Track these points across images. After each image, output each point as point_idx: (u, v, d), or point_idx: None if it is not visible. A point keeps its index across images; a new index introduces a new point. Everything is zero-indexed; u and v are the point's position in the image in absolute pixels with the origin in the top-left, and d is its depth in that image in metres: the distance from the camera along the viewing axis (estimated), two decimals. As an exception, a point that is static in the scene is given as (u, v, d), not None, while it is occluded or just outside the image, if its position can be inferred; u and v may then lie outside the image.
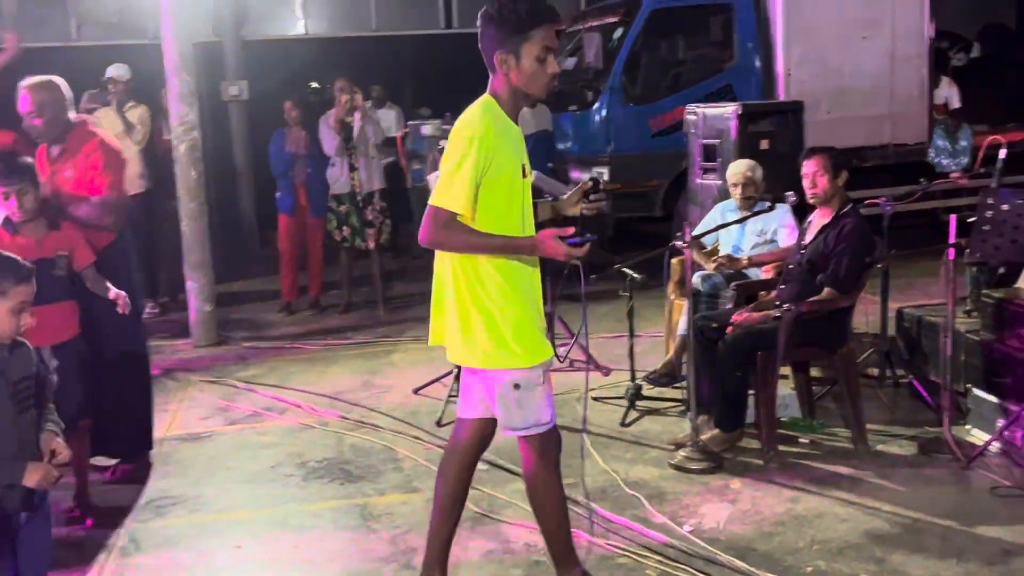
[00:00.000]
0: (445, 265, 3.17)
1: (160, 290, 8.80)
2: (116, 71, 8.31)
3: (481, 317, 3.10)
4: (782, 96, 8.96)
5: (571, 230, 2.98)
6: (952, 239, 4.86)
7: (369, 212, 8.11)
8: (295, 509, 4.50)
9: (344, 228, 8.14)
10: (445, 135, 5.66)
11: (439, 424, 5.46)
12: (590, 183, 3.85)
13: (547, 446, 3.27)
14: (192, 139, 7.45)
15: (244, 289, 9.56)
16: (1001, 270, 5.25)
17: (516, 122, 3.14)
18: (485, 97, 3.11)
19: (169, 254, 8.24)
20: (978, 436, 4.84)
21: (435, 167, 5.72)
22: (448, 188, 2.99)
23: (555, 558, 3.43)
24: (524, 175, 3.11)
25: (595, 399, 5.78)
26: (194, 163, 7.47)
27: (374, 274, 8.47)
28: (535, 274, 3.21)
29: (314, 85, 11.89)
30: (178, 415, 5.95)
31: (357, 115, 7.94)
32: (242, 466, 5.08)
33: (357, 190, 8.03)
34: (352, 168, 8.01)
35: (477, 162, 2.95)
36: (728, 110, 7.08)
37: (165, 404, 6.11)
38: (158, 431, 5.54)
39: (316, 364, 6.98)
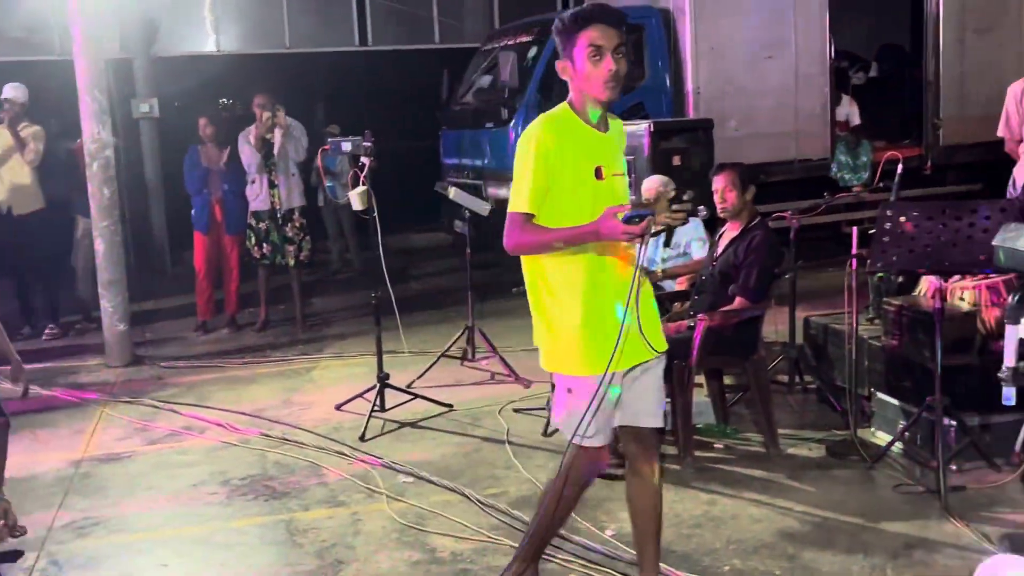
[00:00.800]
0: (524, 272, 3.33)
1: (59, 312, 8.63)
2: (13, 92, 8.16)
3: (543, 321, 3.26)
4: (692, 114, 9.23)
5: (627, 207, 2.97)
6: (855, 250, 5.11)
7: (289, 229, 8.09)
8: (220, 527, 4.49)
9: (264, 245, 8.11)
10: (366, 152, 5.76)
11: (362, 439, 5.50)
12: (673, 192, 4.05)
13: (577, 464, 3.36)
14: (104, 157, 7.36)
15: (158, 308, 9.41)
16: (900, 279, 5.51)
17: (600, 126, 3.19)
18: (561, 104, 3.23)
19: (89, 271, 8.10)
20: (882, 437, 5.07)
21: (355, 183, 5.79)
22: (517, 193, 3.15)
23: (518, 554, 3.58)
24: (600, 177, 3.14)
25: (516, 411, 5.88)
26: (107, 181, 7.38)
27: (293, 291, 8.44)
28: (606, 281, 3.19)
29: (225, 101, 11.78)
30: (95, 436, 5.86)
31: (277, 132, 7.94)
32: (163, 485, 5.04)
33: (277, 207, 8.01)
34: (272, 185, 7.99)
35: (535, 166, 3.09)
36: (641, 127, 7.28)
37: (81, 426, 6.02)
38: (75, 452, 5.48)
39: (235, 383, 6.94)
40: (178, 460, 5.41)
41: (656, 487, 3.39)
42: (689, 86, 9.41)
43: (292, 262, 8.16)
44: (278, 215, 8.03)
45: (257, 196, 8.01)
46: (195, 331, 8.49)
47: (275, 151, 7.93)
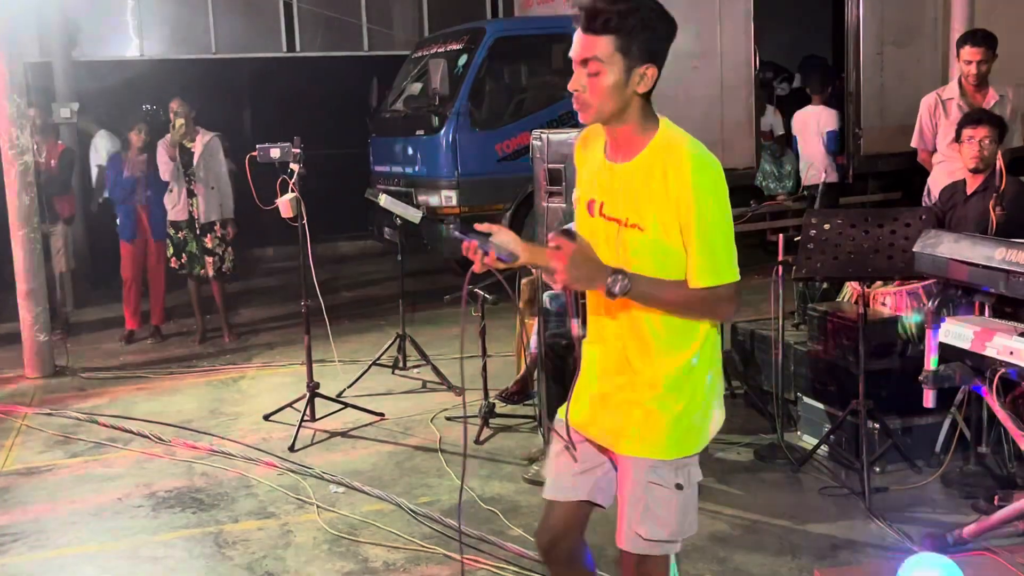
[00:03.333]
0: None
1: None
2: None
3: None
4: (621, 123, 9.31)
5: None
6: (780, 257, 5.21)
7: (209, 240, 7.96)
8: (146, 540, 4.40)
9: (182, 255, 7.97)
10: (295, 158, 5.70)
11: (292, 449, 5.43)
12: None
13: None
14: (24, 163, 7.17)
15: (81, 319, 9.18)
16: (824, 285, 5.64)
17: (614, 153, 2.52)
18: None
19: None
20: (808, 441, 5.17)
21: (284, 190, 5.72)
22: None
23: None
24: (591, 213, 2.56)
25: (449, 419, 5.86)
26: (26, 188, 7.18)
27: (216, 303, 8.27)
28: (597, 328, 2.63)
29: (148, 107, 11.56)
30: (14, 450, 5.70)
31: (199, 140, 7.81)
32: (87, 499, 4.92)
33: (196, 217, 7.87)
34: (191, 195, 7.85)
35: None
36: (571, 135, 7.30)
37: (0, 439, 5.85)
38: (-7, 467, 5.33)
39: (161, 393, 6.80)
40: (102, 473, 5.28)
41: None
42: (617, 95, 9.49)
43: (212, 273, 8.01)
44: (196, 226, 7.90)
45: (175, 205, 7.86)
46: (120, 341, 8.30)
47: (195, 160, 7.79)
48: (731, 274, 2.42)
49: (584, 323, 2.65)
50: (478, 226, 2.46)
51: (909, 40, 10.39)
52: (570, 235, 2.44)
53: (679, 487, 2.53)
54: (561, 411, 2.66)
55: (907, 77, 10.22)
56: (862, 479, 4.45)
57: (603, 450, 2.65)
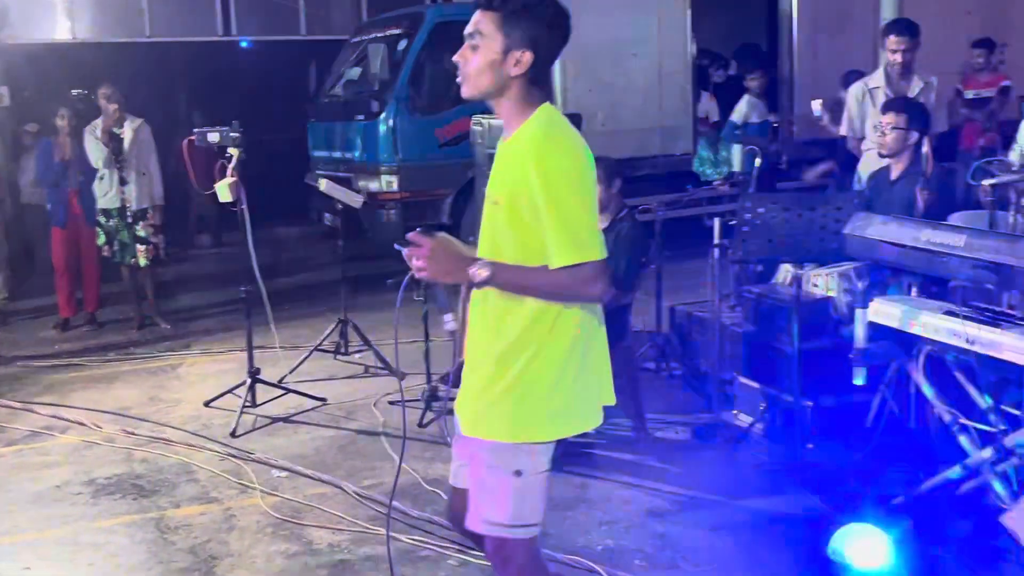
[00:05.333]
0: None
1: None
2: None
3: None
4: (561, 109, 9.37)
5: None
6: (716, 240, 5.32)
7: (141, 228, 7.86)
8: (86, 527, 4.37)
9: (113, 243, 7.86)
10: (233, 142, 5.66)
11: (233, 435, 5.42)
12: None
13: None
14: (-48, 148, 7.02)
15: (15, 307, 9.00)
16: (759, 268, 5.76)
17: (507, 136, 2.61)
18: None
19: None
20: (745, 419, 5.29)
21: (222, 175, 5.69)
22: None
23: None
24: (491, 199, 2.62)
25: (392, 403, 5.89)
26: (-45, 173, 7.04)
27: (148, 290, 8.18)
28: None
29: (79, 91, 11.36)
30: (-53, 439, 5.61)
31: (128, 126, 7.70)
32: (24, 487, 4.86)
33: (128, 205, 7.76)
34: (123, 182, 7.73)
35: None
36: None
37: (-69, 428, 5.75)
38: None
39: (98, 381, 6.72)
40: (39, 461, 5.22)
41: None
42: (557, 82, 9.55)
43: (144, 261, 7.91)
44: (128, 213, 7.79)
45: (106, 193, 7.75)
46: (54, 328, 8.16)
47: (125, 146, 7.68)
48: (592, 252, 2.47)
49: (463, 318, 2.72)
50: (411, 236, 2.53)
51: (842, 28, 10.59)
52: (430, 232, 2.54)
53: (518, 473, 2.55)
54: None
55: (840, 65, 10.41)
56: (795, 454, 4.58)
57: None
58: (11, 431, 5.70)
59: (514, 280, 2.52)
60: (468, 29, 2.51)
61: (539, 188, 2.44)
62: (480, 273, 2.47)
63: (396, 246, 2.56)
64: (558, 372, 2.56)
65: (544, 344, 2.56)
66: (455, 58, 2.55)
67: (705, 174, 10.30)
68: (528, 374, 2.55)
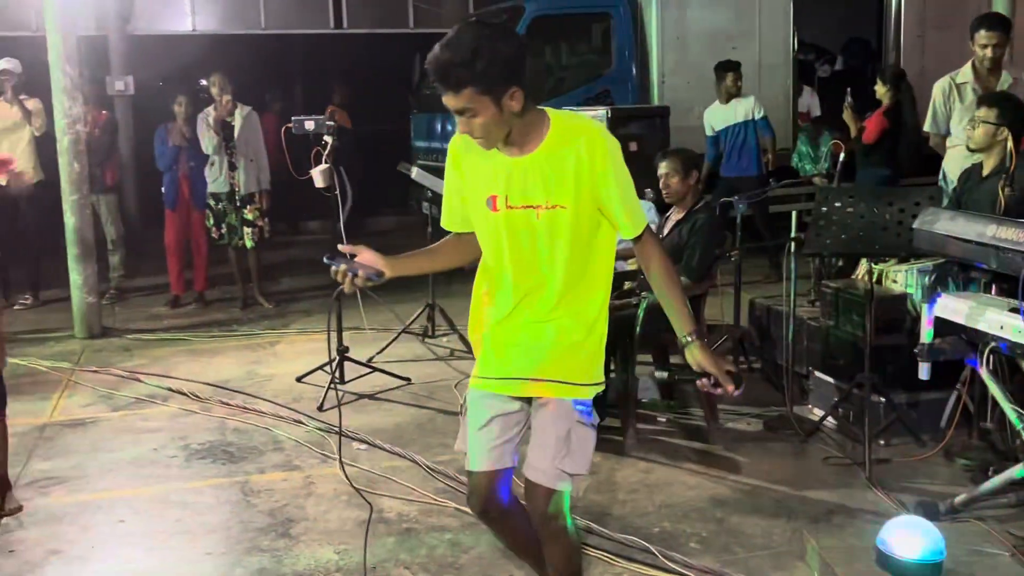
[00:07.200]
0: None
1: (40, 284, 8.80)
2: (9, 63, 8.33)
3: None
4: (655, 102, 9.42)
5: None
6: (794, 234, 5.33)
7: (248, 211, 8.24)
8: (177, 487, 4.68)
9: (222, 226, 8.26)
10: (328, 131, 5.93)
11: (320, 409, 5.68)
12: None
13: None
14: (75, 133, 7.48)
15: (130, 284, 9.52)
16: (840, 262, 5.74)
17: (512, 148, 2.70)
18: None
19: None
20: (818, 414, 5.30)
21: (318, 161, 5.96)
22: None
23: None
24: (493, 208, 2.73)
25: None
26: (77, 156, 7.51)
27: (254, 271, 8.57)
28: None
29: (203, 82, 11.91)
30: (61, 403, 6.02)
31: (238, 114, 8.07)
32: (125, 449, 5.21)
33: (236, 189, 8.15)
34: (232, 168, 8.12)
35: (446, 180, 2.90)
36: (599, 113, 7.48)
37: (48, 393, 6.17)
38: (40, 418, 5.65)
39: (200, 355, 7.10)
40: (140, 426, 5.58)
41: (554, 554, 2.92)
42: (654, 74, 9.61)
43: (250, 243, 8.30)
44: (236, 198, 8.17)
45: (216, 178, 8.15)
46: (165, 306, 8.63)
47: (235, 133, 8.06)
48: (645, 218, 2.78)
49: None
50: (343, 248, 2.72)
51: (951, 24, 10.31)
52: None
53: (594, 425, 2.87)
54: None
55: (947, 61, 10.13)
56: (864, 450, 4.58)
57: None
58: (118, 397, 6.10)
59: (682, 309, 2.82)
60: (453, 107, 2.57)
61: (609, 167, 2.65)
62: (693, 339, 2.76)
63: (325, 259, 2.70)
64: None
65: (606, 304, 2.84)
66: (459, 132, 2.66)
67: (804, 169, 10.15)
68: (599, 334, 2.83)
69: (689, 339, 2.74)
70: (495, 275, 2.83)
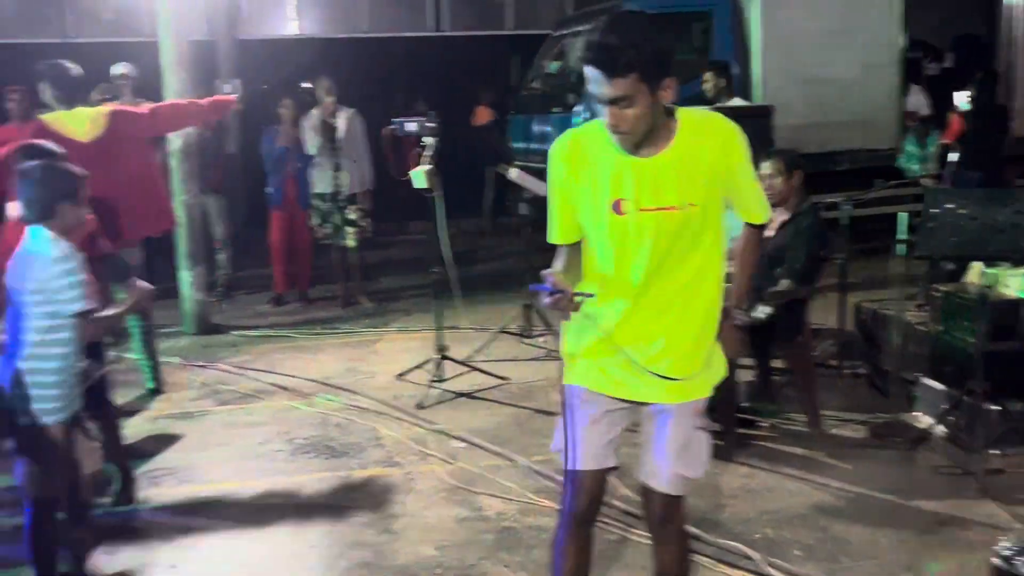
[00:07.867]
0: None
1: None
2: (126, 67, 8.61)
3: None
4: (758, 101, 9.26)
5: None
6: (902, 237, 5.19)
7: (352, 211, 8.39)
8: (281, 480, 4.79)
9: (325, 225, 8.43)
10: (428, 132, 6.00)
11: (420, 407, 5.75)
12: None
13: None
14: (186, 135, 7.72)
15: (237, 281, 9.79)
16: (951, 266, 5.56)
17: (637, 149, 2.62)
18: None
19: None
20: (926, 421, 5.14)
21: (416, 163, 6.04)
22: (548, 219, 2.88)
23: None
24: (619, 211, 2.65)
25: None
26: (186, 157, 7.75)
27: (355, 270, 8.73)
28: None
29: (307, 85, 12.17)
30: (171, 396, 6.22)
31: (342, 116, 8.23)
32: (231, 442, 5.36)
33: (340, 190, 8.31)
34: (336, 168, 8.28)
35: (553, 193, 2.80)
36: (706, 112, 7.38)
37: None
38: (151, 410, 5.84)
39: (304, 352, 7.26)
40: (246, 420, 5.73)
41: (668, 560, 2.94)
42: (757, 73, 9.45)
43: (353, 243, 8.45)
44: (340, 197, 8.33)
45: (321, 179, 8.32)
46: (269, 303, 8.84)
47: (339, 135, 8.22)
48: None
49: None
50: (544, 273, 2.62)
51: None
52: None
53: (707, 428, 2.93)
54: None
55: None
56: (977, 459, 4.43)
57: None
58: (226, 393, 6.27)
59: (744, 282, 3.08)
60: (611, 95, 2.47)
61: (744, 157, 2.70)
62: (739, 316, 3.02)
63: (532, 287, 2.65)
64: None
65: (720, 302, 2.85)
66: (609, 127, 2.54)
67: (912, 171, 9.89)
68: (712, 335, 2.83)
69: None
70: (612, 279, 2.73)
